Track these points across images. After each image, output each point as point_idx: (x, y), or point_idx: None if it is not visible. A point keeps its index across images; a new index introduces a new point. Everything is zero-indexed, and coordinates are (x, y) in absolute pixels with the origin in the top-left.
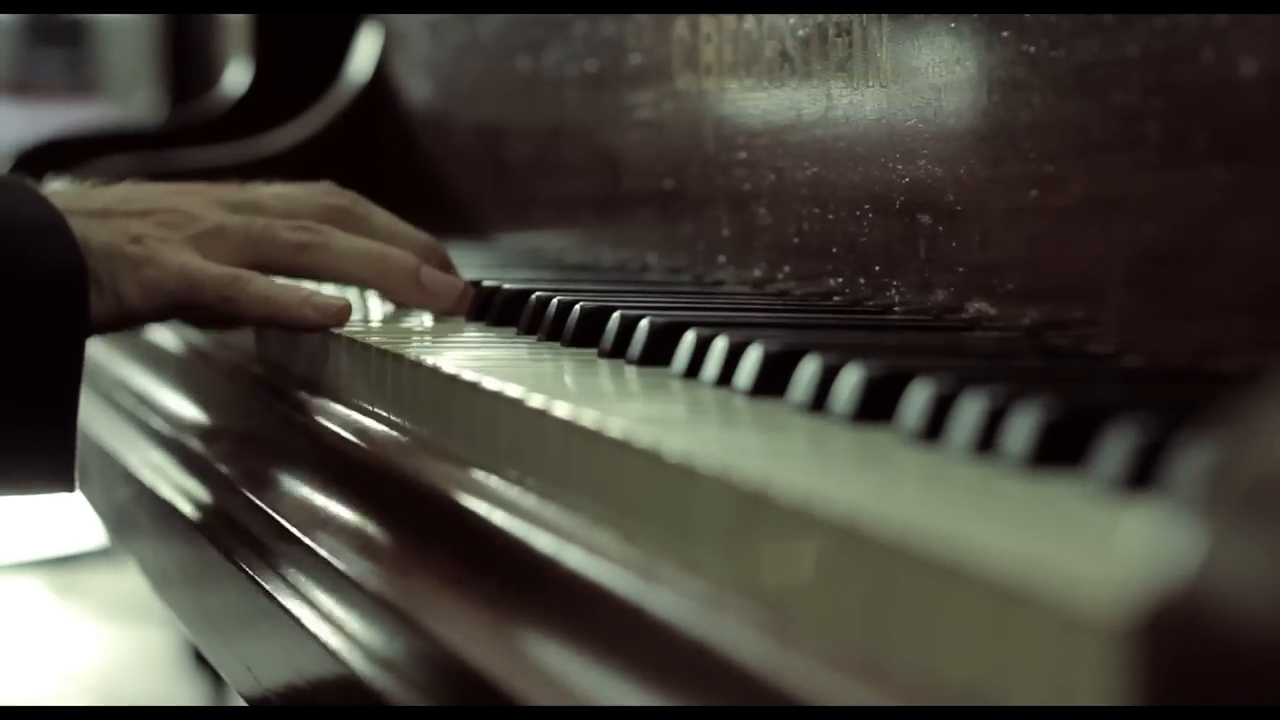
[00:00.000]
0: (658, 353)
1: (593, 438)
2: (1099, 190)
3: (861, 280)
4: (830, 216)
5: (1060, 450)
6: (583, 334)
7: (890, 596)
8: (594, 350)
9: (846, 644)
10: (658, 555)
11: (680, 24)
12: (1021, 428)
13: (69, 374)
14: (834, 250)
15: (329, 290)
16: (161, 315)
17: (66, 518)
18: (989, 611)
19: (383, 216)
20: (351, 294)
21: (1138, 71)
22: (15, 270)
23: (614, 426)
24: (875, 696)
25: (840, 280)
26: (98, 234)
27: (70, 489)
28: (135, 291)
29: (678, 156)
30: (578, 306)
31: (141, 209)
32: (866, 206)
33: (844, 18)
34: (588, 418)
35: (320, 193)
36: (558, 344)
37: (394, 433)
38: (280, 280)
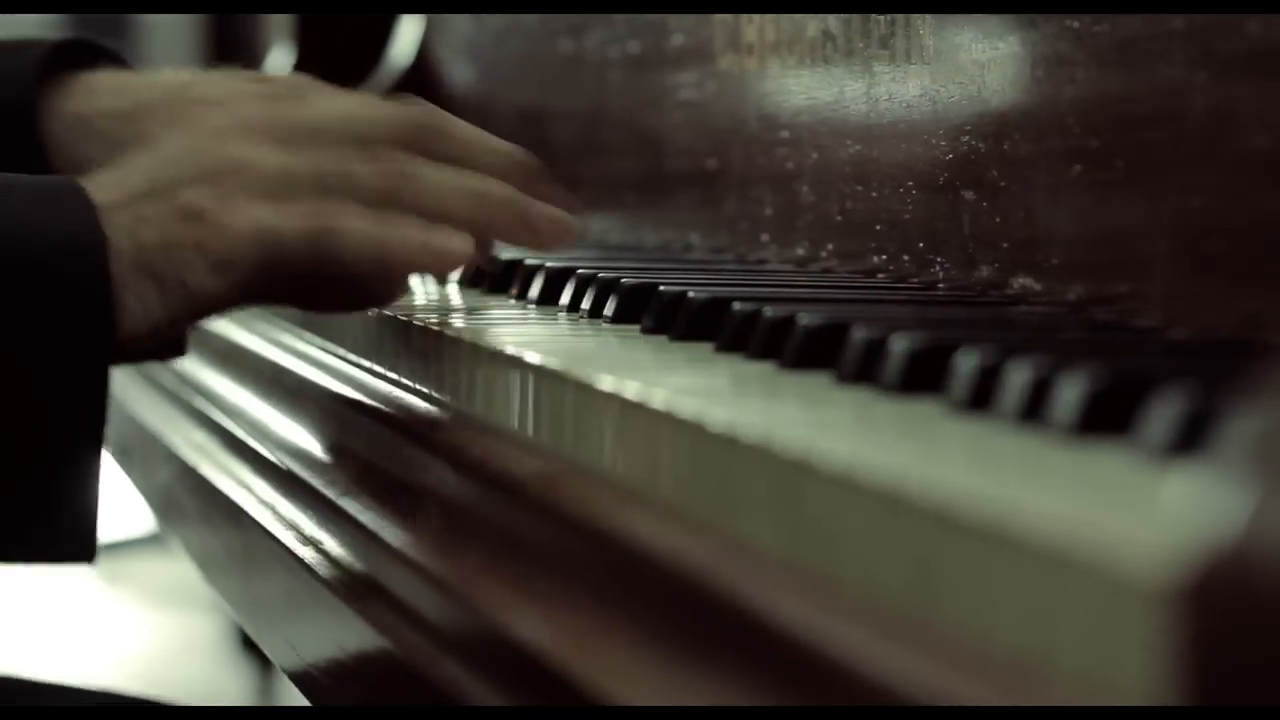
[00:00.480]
0: (701, 327)
1: (639, 409)
2: (1143, 164)
3: (905, 257)
4: (874, 194)
5: (1107, 418)
6: (626, 311)
7: (937, 562)
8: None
9: (893, 610)
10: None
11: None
12: (1068, 396)
13: (86, 426)
14: (877, 228)
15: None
16: (246, 293)
17: (114, 503)
18: (1036, 575)
19: (464, 130)
20: None
21: (1181, 44)
22: (25, 303)
23: (657, 398)
24: (921, 664)
25: (884, 258)
26: (147, 229)
27: (90, 560)
28: (205, 275)
29: (720, 136)
30: (622, 282)
31: (191, 176)
32: (910, 183)
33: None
34: (631, 389)
35: (393, 107)
36: (600, 320)
37: (433, 408)
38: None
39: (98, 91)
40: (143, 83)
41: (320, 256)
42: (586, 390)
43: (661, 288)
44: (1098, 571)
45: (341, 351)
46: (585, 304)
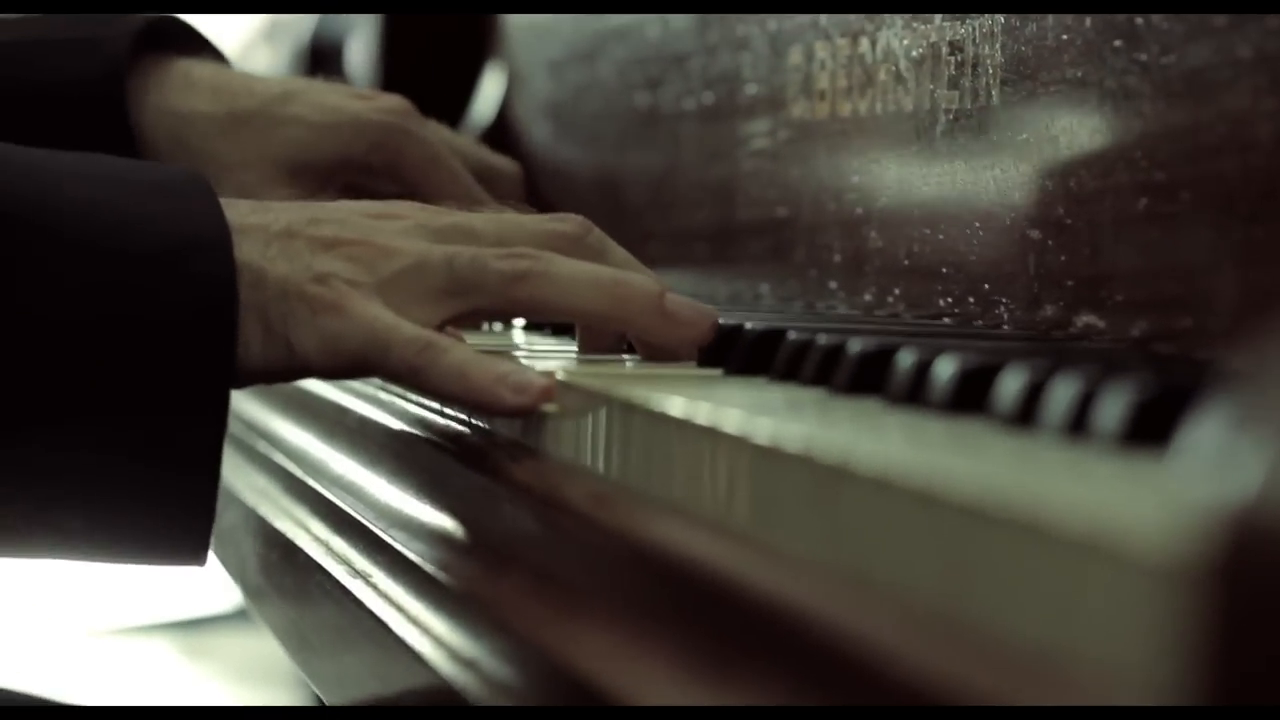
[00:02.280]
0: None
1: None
2: (1208, 196)
3: (971, 299)
4: (940, 236)
5: (1152, 430)
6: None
7: (968, 555)
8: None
9: (927, 605)
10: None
11: (795, 52)
12: (1112, 408)
13: (206, 427)
14: (943, 270)
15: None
16: (337, 373)
17: (197, 579)
18: (1063, 564)
19: (619, 251)
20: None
21: (1248, 74)
22: (154, 294)
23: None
24: (953, 657)
25: (949, 301)
26: (275, 264)
27: (201, 562)
28: (312, 342)
29: (791, 184)
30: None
31: (331, 237)
32: (976, 224)
33: (957, 35)
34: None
35: (546, 219)
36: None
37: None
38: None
39: (196, 87)
40: (242, 86)
41: (413, 373)
42: None
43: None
44: (1123, 555)
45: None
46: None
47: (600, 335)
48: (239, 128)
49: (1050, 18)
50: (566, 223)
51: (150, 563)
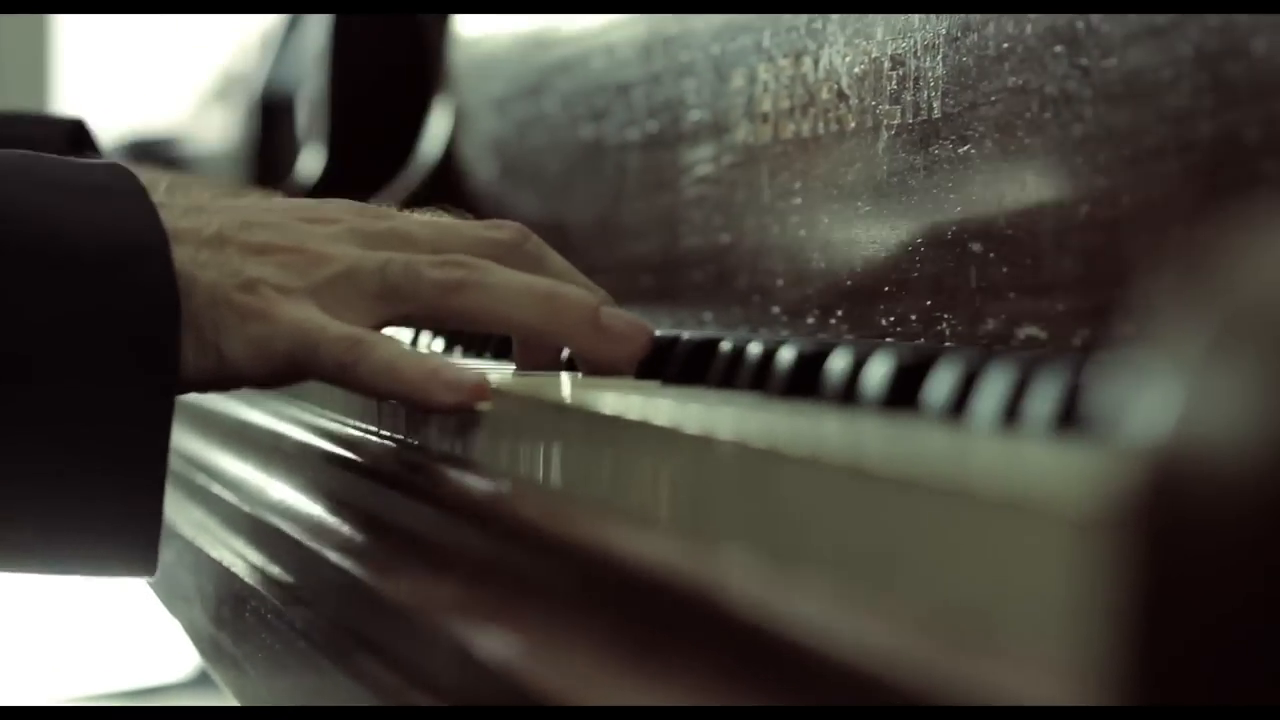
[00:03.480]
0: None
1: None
2: (1150, 198)
3: (913, 317)
4: (882, 254)
5: (1079, 417)
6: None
7: (893, 528)
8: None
9: (852, 580)
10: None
11: (738, 75)
12: (1044, 397)
13: (152, 433)
14: (886, 289)
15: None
16: (270, 379)
17: (154, 645)
18: (990, 527)
19: (557, 260)
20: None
21: (1189, 74)
22: (95, 301)
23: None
24: (880, 627)
25: (892, 320)
26: (205, 270)
27: (151, 572)
28: (240, 348)
29: (734, 210)
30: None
31: (262, 243)
32: (919, 240)
33: (899, 49)
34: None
35: (483, 226)
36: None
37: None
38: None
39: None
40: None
41: (341, 370)
42: None
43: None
44: (1047, 509)
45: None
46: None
47: (539, 352)
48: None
49: (991, 26)
50: (503, 230)
51: (101, 573)
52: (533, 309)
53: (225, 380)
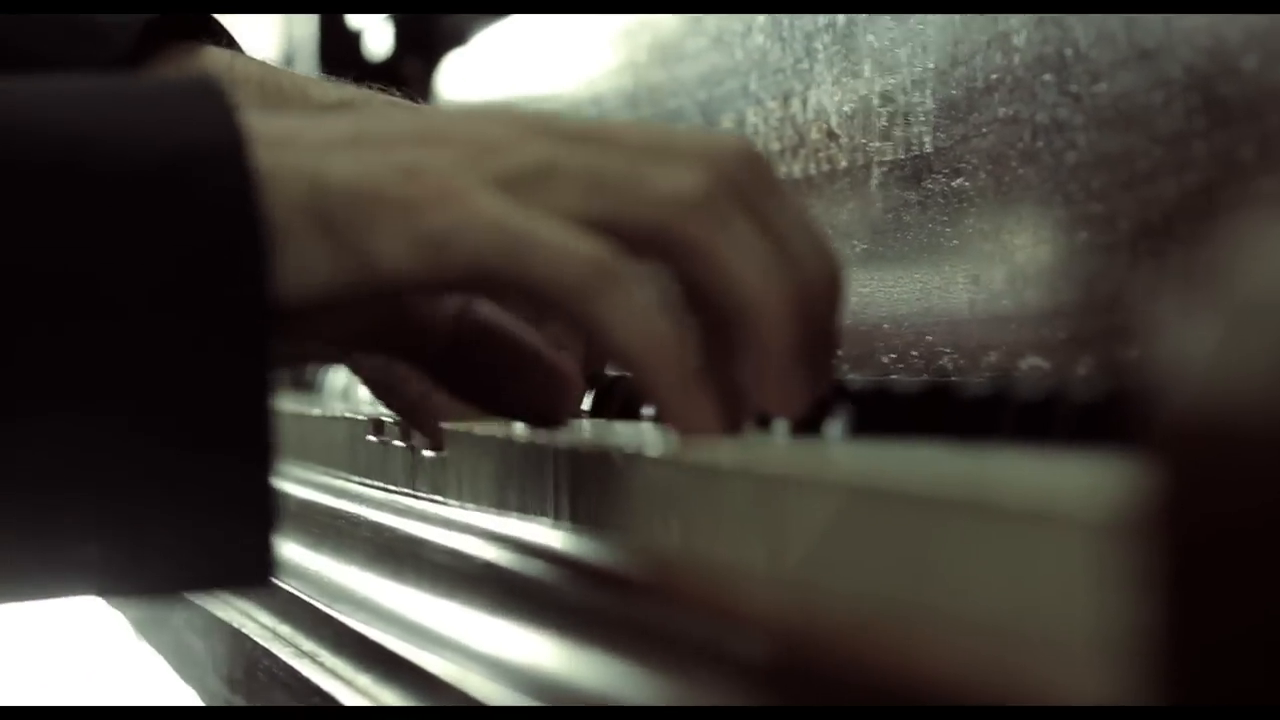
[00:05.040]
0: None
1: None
2: (1147, 222)
3: (914, 353)
4: (879, 290)
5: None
6: None
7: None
8: None
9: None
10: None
11: (726, 119)
12: (1063, 414)
13: (245, 401)
14: (885, 326)
15: None
16: (442, 284)
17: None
18: (1012, 539)
19: (789, 205)
20: None
21: (1179, 96)
22: (139, 229)
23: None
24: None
25: (894, 356)
26: (340, 165)
27: (266, 580)
28: (402, 247)
29: None
30: None
31: (419, 133)
32: (915, 274)
33: (889, 86)
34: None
35: (705, 136)
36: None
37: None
38: None
39: (240, 84)
40: (294, 89)
41: (570, 303)
42: None
43: None
44: (1067, 516)
45: None
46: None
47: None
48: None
49: (979, 58)
50: (729, 143)
51: (192, 587)
52: (771, 290)
53: (374, 287)
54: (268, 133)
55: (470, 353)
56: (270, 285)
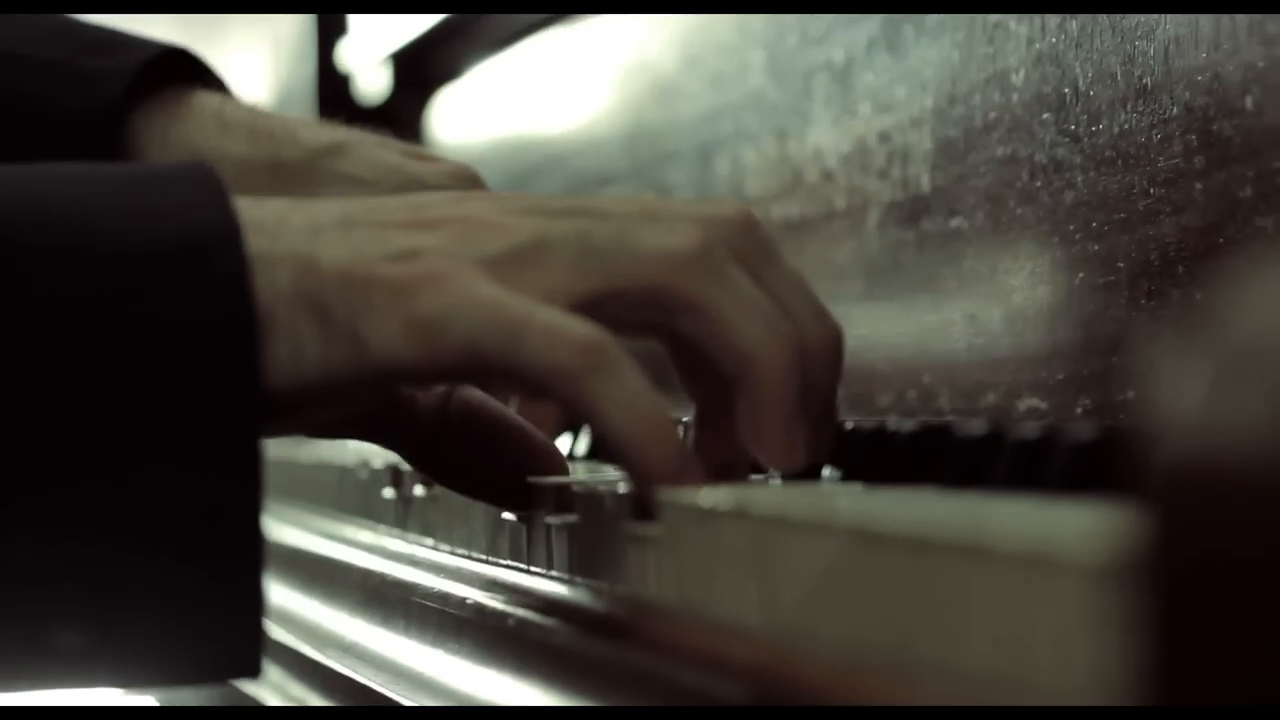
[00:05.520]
0: None
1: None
2: (1146, 261)
3: (912, 393)
4: (877, 331)
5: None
6: None
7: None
8: None
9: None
10: None
11: (722, 161)
12: (1057, 460)
13: (238, 488)
14: (883, 369)
15: None
16: (436, 373)
17: None
18: (1006, 584)
19: (788, 270)
20: None
21: (1179, 134)
22: (130, 312)
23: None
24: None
25: (892, 396)
26: (332, 249)
27: (255, 673)
28: (394, 331)
29: None
30: None
31: (409, 215)
32: (912, 314)
33: (886, 127)
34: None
35: (698, 202)
36: None
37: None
38: None
39: (229, 128)
40: (284, 132)
41: (562, 385)
42: None
43: None
44: (1061, 561)
45: None
46: None
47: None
48: (280, 180)
49: (977, 97)
50: (725, 207)
51: (176, 682)
52: (770, 342)
53: (368, 375)
54: (257, 218)
55: (456, 437)
56: (261, 376)
